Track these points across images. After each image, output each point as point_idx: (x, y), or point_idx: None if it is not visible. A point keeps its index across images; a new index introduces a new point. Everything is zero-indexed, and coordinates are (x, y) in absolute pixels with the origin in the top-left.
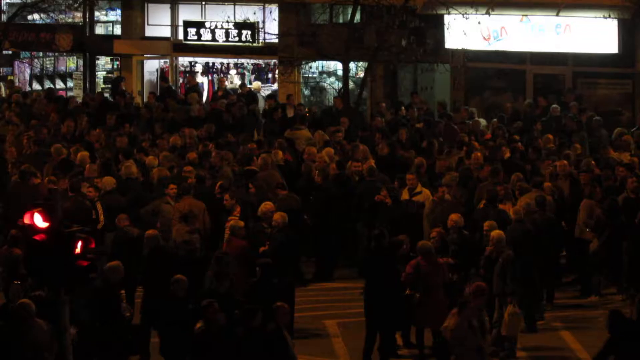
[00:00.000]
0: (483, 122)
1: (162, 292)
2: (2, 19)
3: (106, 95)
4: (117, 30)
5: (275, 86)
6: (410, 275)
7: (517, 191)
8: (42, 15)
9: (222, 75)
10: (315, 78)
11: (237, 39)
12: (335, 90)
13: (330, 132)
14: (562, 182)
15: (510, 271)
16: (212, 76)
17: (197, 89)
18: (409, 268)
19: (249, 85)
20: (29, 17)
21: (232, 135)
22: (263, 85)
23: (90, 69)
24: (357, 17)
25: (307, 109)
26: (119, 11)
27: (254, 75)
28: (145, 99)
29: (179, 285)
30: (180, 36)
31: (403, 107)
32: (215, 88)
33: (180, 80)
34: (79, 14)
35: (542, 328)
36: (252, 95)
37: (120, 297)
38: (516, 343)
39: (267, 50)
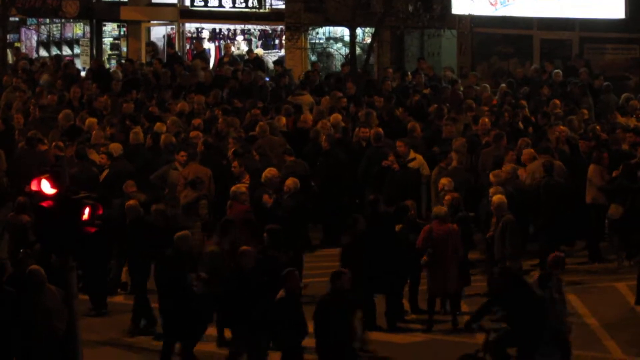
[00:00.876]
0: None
1: (144, 262)
2: None
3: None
4: None
5: (282, 52)
6: (422, 240)
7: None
8: None
9: (228, 41)
10: (322, 44)
11: (243, 4)
12: (342, 56)
13: (335, 98)
14: (563, 148)
15: (509, 235)
16: (219, 42)
17: (204, 55)
18: (422, 233)
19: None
20: None
21: (239, 102)
22: (269, 51)
23: (97, 35)
24: None
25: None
26: None
27: (260, 42)
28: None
29: (246, 257)
30: (187, 2)
31: (409, 73)
32: (222, 54)
33: (187, 47)
34: None
35: None
36: (259, 61)
37: (188, 266)
38: None
39: (274, 16)
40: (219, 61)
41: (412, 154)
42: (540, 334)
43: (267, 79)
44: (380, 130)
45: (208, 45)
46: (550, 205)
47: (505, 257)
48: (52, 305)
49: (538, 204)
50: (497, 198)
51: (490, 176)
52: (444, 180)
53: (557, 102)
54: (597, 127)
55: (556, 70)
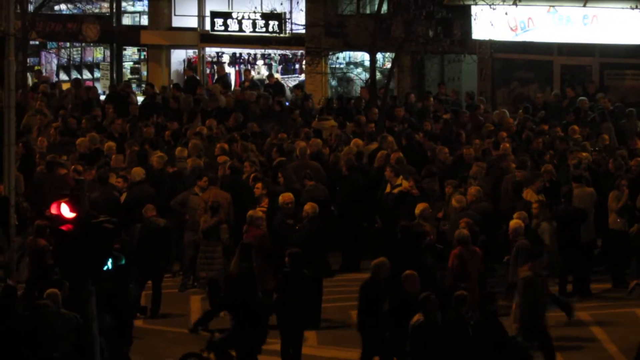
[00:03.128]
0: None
1: None
2: (30, 9)
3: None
4: (144, 20)
5: (302, 77)
6: (456, 265)
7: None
8: (69, 5)
9: (248, 66)
10: (342, 69)
11: (264, 29)
12: (362, 81)
13: (363, 124)
14: (585, 174)
15: (521, 260)
16: (239, 67)
17: (225, 79)
18: (453, 258)
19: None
20: (56, 8)
21: (258, 126)
22: (289, 76)
23: (117, 59)
24: (384, 7)
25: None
26: (146, 1)
27: (281, 66)
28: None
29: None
30: (207, 27)
31: (431, 98)
32: (242, 79)
33: (207, 71)
34: (106, 4)
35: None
36: (279, 86)
37: None
38: None
39: (294, 40)
40: (240, 86)
41: (399, 180)
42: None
43: (287, 103)
44: (401, 154)
45: (228, 69)
46: (565, 231)
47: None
48: (61, 330)
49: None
50: (514, 223)
51: (453, 201)
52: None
53: (577, 128)
54: (624, 152)
55: (581, 98)
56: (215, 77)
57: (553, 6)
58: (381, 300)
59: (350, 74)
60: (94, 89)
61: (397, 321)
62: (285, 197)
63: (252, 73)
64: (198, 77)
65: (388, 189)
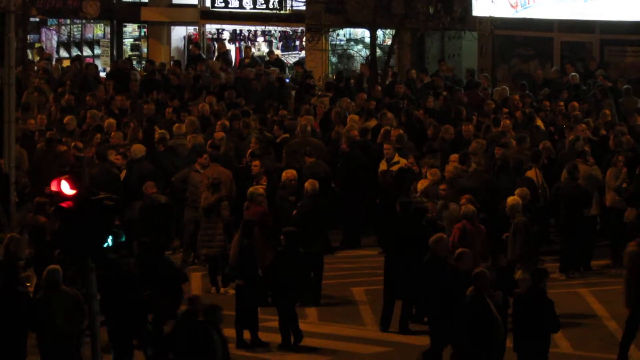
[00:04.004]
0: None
1: None
2: None
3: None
4: None
5: (302, 54)
6: (458, 239)
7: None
8: None
9: (249, 43)
10: (342, 45)
11: (264, 6)
12: (363, 57)
13: (364, 101)
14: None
15: (519, 237)
16: (239, 43)
17: (227, 56)
18: (455, 232)
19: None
20: None
21: (258, 103)
22: (290, 52)
23: (117, 36)
24: None
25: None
26: None
27: (281, 43)
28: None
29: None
30: (208, 3)
31: (426, 77)
32: (242, 56)
33: (208, 47)
34: None
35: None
36: (280, 63)
37: None
38: None
39: (295, 17)
40: (240, 63)
41: (396, 157)
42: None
43: (287, 79)
44: (402, 131)
45: (228, 46)
46: (572, 209)
47: (516, 258)
48: (60, 306)
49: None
50: (511, 200)
51: (428, 174)
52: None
53: (576, 104)
54: (624, 129)
55: (573, 74)
56: (216, 54)
57: None
58: (445, 279)
59: (351, 51)
60: (94, 65)
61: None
62: (289, 174)
63: (253, 50)
64: (204, 55)
65: (384, 167)
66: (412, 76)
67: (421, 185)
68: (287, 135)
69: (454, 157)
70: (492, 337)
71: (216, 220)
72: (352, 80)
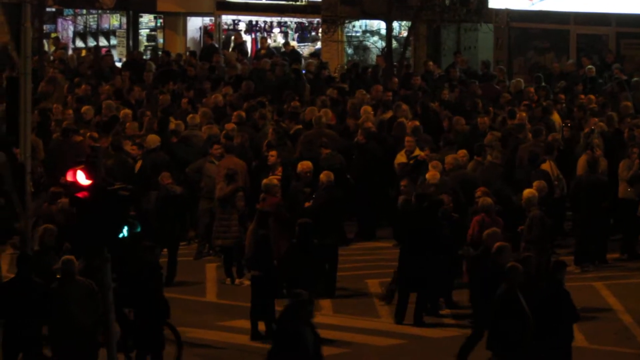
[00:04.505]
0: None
1: None
2: None
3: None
4: None
5: (318, 45)
6: (478, 232)
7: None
8: None
9: (265, 34)
10: (358, 37)
11: None
12: (379, 49)
13: (380, 92)
14: (597, 141)
15: (534, 230)
16: (255, 35)
17: (243, 47)
18: (475, 225)
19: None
20: None
21: (274, 94)
22: (306, 44)
23: (133, 26)
24: None
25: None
26: None
27: (297, 34)
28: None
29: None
30: None
31: (438, 68)
32: (258, 47)
33: (224, 38)
34: None
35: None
36: (296, 54)
37: None
38: None
39: (311, 8)
40: (256, 54)
41: (416, 151)
42: None
43: (304, 71)
44: (418, 123)
45: (244, 37)
46: (593, 201)
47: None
48: (74, 297)
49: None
50: (528, 192)
51: (430, 166)
52: (428, 176)
53: (593, 97)
54: (638, 122)
55: (589, 67)
56: (232, 45)
57: None
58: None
59: (367, 43)
60: (110, 56)
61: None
62: (304, 165)
63: (269, 41)
64: (217, 45)
65: (403, 159)
66: (429, 68)
67: (435, 178)
68: (300, 126)
69: (462, 152)
70: (524, 331)
71: (231, 211)
72: (369, 70)
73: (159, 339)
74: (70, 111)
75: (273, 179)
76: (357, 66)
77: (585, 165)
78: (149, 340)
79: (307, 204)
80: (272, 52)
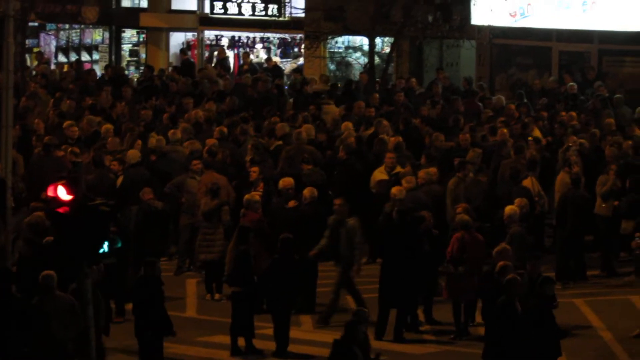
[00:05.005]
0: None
1: None
2: None
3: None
4: (144, 3)
5: (301, 61)
6: (457, 249)
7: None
8: None
9: (247, 49)
10: (341, 53)
11: (263, 12)
12: (361, 65)
13: (363, 108)
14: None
15: (515, 247)
16: (238, 50)
17: (225, 62)
18: (454, 242)
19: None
20: None
21: (256, 110)
22: (288, 60)
23: (116, 41)
24: None
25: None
26: None
27: (279, 50)
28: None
29: None
30: (207, 9)
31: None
32: (241, 62)
33: (206, 54)
34: None
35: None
36: (278, 70)
37: None
38: None
39: (294, 24)
40: (239, 69)
41: (397, 168)
42: None
43: (286, 87)
44: (400, 139)
45: (227, 53)
46: (576, 217)
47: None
48: (54, 312)
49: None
50: (509, 209)
51: (403, 182)
52: (394, 190)
53: (574, 114)
54: (619, 139)
55: (571, 84)
56: (214, 60)
57: None
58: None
59: (349, 59)
60: (94, 71)
61: None
62: (286, 182)
63: (251, 56)
64: (192, 60)
65: (383, 176)
66: (411, 84)
67: (398, 191)
68: (280, 142)
69: (433, 169)
70: (521, 344)
71: (216, 225)
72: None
73: (159, 353)
74: (76, 128)
75: (255, 195)
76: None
77: (566, 182)
78: (150, 353)
79: (291, 203)
80: (255, 67)
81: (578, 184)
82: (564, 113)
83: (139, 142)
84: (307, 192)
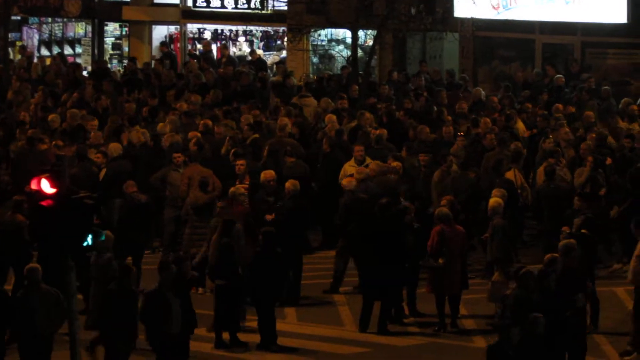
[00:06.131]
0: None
1: None
2: None
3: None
4: None
5: (284, 54)
6: (437, 243)
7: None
8: None
9: (230, 42)
10: (324, 46)
11: (246, 5)
12: (344, 58)
13: (337, 100)
14: (569, 152)
15: (497, 239)
16: (220, 43)
17: (209, 55)
18: (434, 235)
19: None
20: None
21: (239, 103)
22: (271, 52)
23: (98, 35)
24: None
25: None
26: None
27: (262, 43)
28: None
29: None
30: (189, 3)
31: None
32: (219, 55)
33: (189, 47)
34: None
35: None
36: (262, 63)
37: None
38: None
39: (276, 17)
40: (218, 62)
41: (367, 160)
42: None
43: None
44: (384, 131)
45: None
46: (552, 210)
47: (494, 259)
48: (39, 305)
49: None
50: (493, 201)
51: (355, 173)
52: (344, 181)
53: (560, 106)
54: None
55: (558, 76)
56: (198, 53)
57: None
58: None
59: (332, 51)
60: (79, 65)
61: None
62: (267, 174)
63: (233, 49)
64: (174, 53)
65: (353, 170)
66: (393, 77)
67: (347, 182)
68: (257, 135)
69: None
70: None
71: (207, 219)
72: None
73: (185, 349)
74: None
75: (240, 188)
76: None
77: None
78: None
79: (269, 217)
80: (234, 60)
81: (551, 175)
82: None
83: (127, 134)
84: (289, 184)
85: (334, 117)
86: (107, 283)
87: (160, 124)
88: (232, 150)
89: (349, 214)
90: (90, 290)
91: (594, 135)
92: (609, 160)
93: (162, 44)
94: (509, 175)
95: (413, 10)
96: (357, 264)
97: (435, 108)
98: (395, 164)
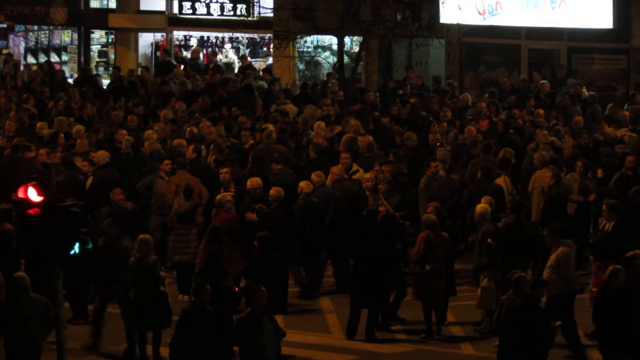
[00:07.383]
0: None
1: None
2: None
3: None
4: (112, 3)
5: (270, 60)
6: (423, 249)
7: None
8: None
9: (210, 49)
10: (310, 52)
11: (232, 12)
12: (330, 64)
13: (322, 106)
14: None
15: (486, 245)
16: (206, 50)
17: (197, 62)
18: (420, 242)
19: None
20: None
21: (227, 110)
22: (258, 59)
23: (85, 42)
24: None
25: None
26: None
27: (248, 50)
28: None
29: None
30: (175, 10)
31: (391, 82)
32: (206, 62)
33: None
34: None
35: None
36: (252, 69)
37: None
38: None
39: (262, 24)
40: (205, 69)
41: (354, 167)
42: None
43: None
44: (371, 138)
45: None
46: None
47: (483, 266)
48: (31, 313)
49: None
50: (480, 207)
51: (313, 176)
52: (302, 184)
53: (541, 111)
54: (599, 137)
55: (542, 81)
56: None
57: None
58: None
59: (318, 58)
60: (62, 72)
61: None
62: (254, 182)
63: (220, 56)
64: (174, 62)
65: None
66: (381, 83)
67: (305, 185)
68: (253, 141)
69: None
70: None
71: (191, 226)
72: (317, 87)
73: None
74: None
75: (226, 195)
76: (306, 84)
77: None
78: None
79: (250, 215)
80: (220, 67)
81: (559, 181)
82: (542, 111)
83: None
84: (273, 192)
85: (323, 124)
86: (152, 286)
87: (148, 131)
88: (213, 157)
89: (302, 216)
90: (130, 295)
91: (584, 139)
92: (599, 173)
93: (165, 52)
94: (499, 181)
95: (399, 17)
96: (353, 268)
97: (420, 114)
98: (385, 168)
